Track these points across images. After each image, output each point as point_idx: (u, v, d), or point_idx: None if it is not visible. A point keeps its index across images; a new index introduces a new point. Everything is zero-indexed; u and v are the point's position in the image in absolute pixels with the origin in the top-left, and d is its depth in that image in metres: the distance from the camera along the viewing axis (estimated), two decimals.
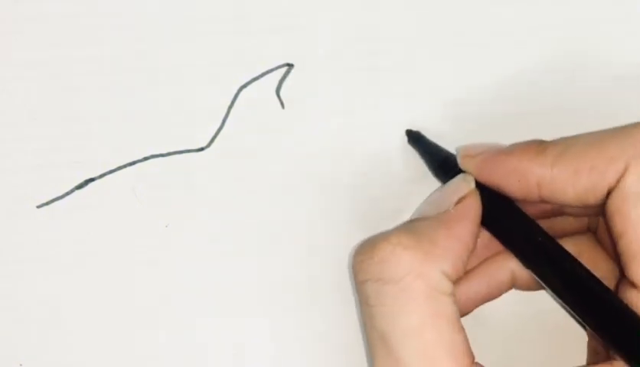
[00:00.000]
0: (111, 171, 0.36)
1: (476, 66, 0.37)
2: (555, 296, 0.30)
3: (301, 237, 0.36)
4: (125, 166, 0.36)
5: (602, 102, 0.37)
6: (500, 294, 0.34)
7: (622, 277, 0.28)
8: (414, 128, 0.36)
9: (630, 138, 0.28)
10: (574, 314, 0.29)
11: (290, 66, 0.37)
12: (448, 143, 0.35)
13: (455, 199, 0.31)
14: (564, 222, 0.33)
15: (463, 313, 0.33)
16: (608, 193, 0.28)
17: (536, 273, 0.30)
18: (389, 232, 0.30)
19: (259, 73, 0.36)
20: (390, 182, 0.36)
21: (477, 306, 0.33)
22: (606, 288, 0.28)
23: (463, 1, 0.37)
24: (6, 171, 0.35)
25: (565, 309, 0.33)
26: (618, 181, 0.28)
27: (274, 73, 0.36)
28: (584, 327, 0.33)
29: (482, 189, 0.31)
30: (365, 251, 0.29)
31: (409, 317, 0.28)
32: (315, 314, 0.35)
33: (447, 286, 0.29)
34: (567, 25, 0.37)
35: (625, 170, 0.28)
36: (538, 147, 0.30)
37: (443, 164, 0.34)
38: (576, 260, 0.29)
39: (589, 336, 0.33)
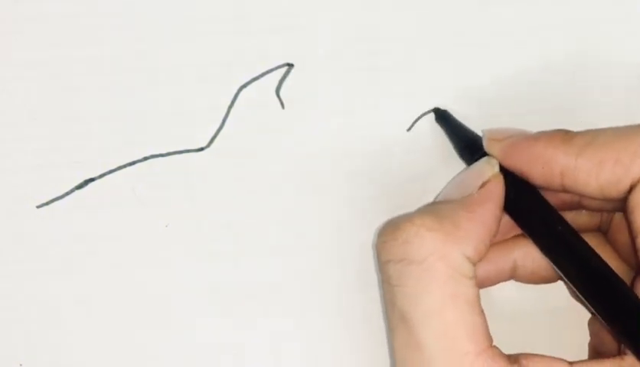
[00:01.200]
0: (111, 171, 0.36)
1: (476, 66, 0.37)
2: (570, 285, 0.30)
3: (301, 237, 0.36)
4: (125, 166, 0.36)
5: (602, 102, 0.37)
6: (497, 282, 0.34)
7: (639, 273, 0.28)
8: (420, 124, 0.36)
9: None
10: (588, 305, 0.29)
11: (290, 66, 0.37)
12: (449, 142, 0.35)
13: (479, 182, 0.31)
14: (577, 218, 0.33)
15: None
16: (631, 188, 0.28)
17: (553, 261, 0.30)
18: (412, 214, 0.30)
19: (259, 73, 0.36)
20: (391, 182, 0.36)
21: None
22: (622, 282, 0.28)
23: (463, 1, 0.37)
24: (6, 171, 0.35)
25: (578, 299, 0.33)
26: None
27: (274, 73, 0.36)
28: (592, 313, 0.33)
29: (506, 173, 0.31)
30: (389, 232, 0.30)
31: (430, 298, 0.28)
32: (316, 314, 0.35)
33: (468, 268, 0.29)
34: (567, 25, 0.37)
35: None
36: (565, 135, 0.30)
37: (470, 145, 0.34)
38: (594, 252, 0.29)
39: (590, 335, 0.33)
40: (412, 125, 0.37)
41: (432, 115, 0.36)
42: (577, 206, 0.33)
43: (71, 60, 0.36)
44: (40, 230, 0.35)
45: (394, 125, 0.36)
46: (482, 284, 0.33)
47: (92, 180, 0.36)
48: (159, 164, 0.36)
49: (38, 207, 0.35)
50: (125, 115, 0.36)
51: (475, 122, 0.36)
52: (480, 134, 0.33)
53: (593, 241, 0.32)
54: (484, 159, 0.32)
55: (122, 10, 0.36)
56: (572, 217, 0.33)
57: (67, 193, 0.35)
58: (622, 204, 0.29)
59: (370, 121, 0.36)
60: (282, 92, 0.36)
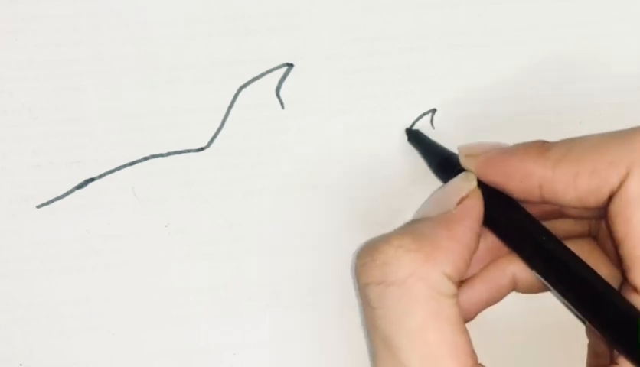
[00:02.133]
0: (111, 171, 0.36)
1: (476, 67, 0.37)
2: (559, 295, 0.30)
3: (301, 237, 0.36)
4: (125, 166, 0.36)
5: (602, 102, 0.37)
6: (501, 298, 0.34)
7: (624, 281, 0.28)
8: (414, 127, 0.36)
9: (632, 143, 0.28)
10: (578, 314, 0.29)
11: (290, 66, 0.37)
12: (449, 143, 0.35)
13: (457, 199, 0.31)
14: (565, 225, 0.33)
15: (467, 320, 0.33)
16: (610, 197, 0.28)
17: (540, 273, 0.30)
18: (390, 235, 0.30)
19: (259, 73, 0.36)
20: (391, 182, 0.36)
21: (479, 311, 0.33)
22: (611, 288, 0.28)
23: (463, 1, 0.37)
24: (6, 171, 0.35)
25: (569, 309, 0.33)
26: (619, 185, 0.28)
27: (274, 73, 0.36)
28: (584, 323, 0.33)
29: (484, 188, 0.31)
30: (367, 254, 0.30)
31: (411, 319, 0.28)
32: (316, 315, 0.35)
33: (449, 287, 0.29)
34: (566, 25, 0.37)
35: (627, 174, 0.27)
36: (541, 147, 0.30)
37: (444, 163, 0.34)
38: (580, 260, 0.29)
39: (589, 338, 0.33)
40: (412, 125, 0.37)
41: (429, 116, 0.36)
42: (560, 215, 0.33)
43: (71, 60, 0.36)
44: (40, 230, 0.35)
45: (394, 125, 0.36)
46: (487, 303, 0.33)
47: (92, 180, 0.36)
48: (159, 164, 0.36)
49: (38, 207, 0.35)
50: (125, 115, 0.36)
51: (475, 122, 0.36)
52: (456, 149, 0.33)
53: (585, 247, 0.32)
54: (462, 175, 0.32)
55: (122, 10, 0.36)
56: (561, 225, 0.33)
57: (67, 193, 0.35)
58: (602, 213, 0.29)
59: (370, 121, 0.36)
60: (282, 92, 0.36)
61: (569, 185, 0.29)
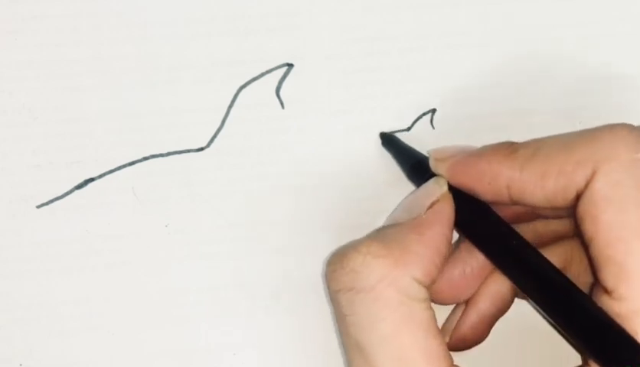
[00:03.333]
0: (111, 171, 0.36)
1: (476, 67, 0.37)
2: (528, 298, 0.30)
3: (301, 237, 0.36)
4: (125, 166, 0.36)
5: (602, 103, 0.37)
6: (508, 307, 0.34)
7: (595, 281, 0.28)
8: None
9: (598, 142, 0.28)
10: (547, 317, 0.29)
11: (290, 66, 0.37)
12: (448, 143, 0.35)
13: (428, 203, 0.31)
14: (552, 225, 0.33)
15: (482, 338, 0.34)
16: (578, 197, 0.28)
17: (509, 275, 0.30)
18: (359, 241, 0.30)
19: (259, 73, 0.36)
20: (391, 182, 0.36)
21: (491, 326, 0.34)
22: (579, 291, 0.28)
23: (463, 1, 0.37)
24: (6, 171, 0.35)
25: (539, 312, 0.33)
26: (586, 185, 0.28)
27: (274, 73, 0.36)
28: (557, 329, 0.33)
29: (456, 192, 0.31)
30: (336, 262, 0.30)
31: (383, 324, 0.28)
32: (317, 315, 0.35)
33: (419, 292, 0.29)
34: (567, 25, 0.37)
35: (593, 174, 0.27)
36: (508, 148, 0.30)
37: (416, 167, 0.34)
38: (549, 263, 0.29)
39: None
40: (412, 125, 0.37)
41: (429, 116, 0.36)
42: (534, 217, 0.32)
43: (71, 60, 0.36)
44: (40, 230, 0.35)
45: (394, 125, 0.36)
46: (496, 316, 0.34)
47: (92, 180, 0.36)
48: (159, 164, 0.36)
49: (38, 207, 0.35)
50: (125, 115, 0.36)
51: (475, 122, 0.36)
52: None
53: (574, 249, 0.32)
54: (433, 179, 0.32)
55: (122, 10, 0.36)
56: (546, 226, 0.33)
57: (67, 193, 0.36)
58: (572, 212, 0.29)
59: (370, 121, 0.36)
60: (282, 92, 0.36)
61: (536, 185, 0.29)
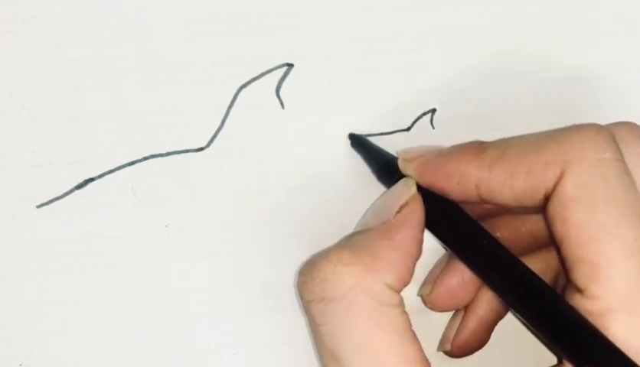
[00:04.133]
0: (111, 171, 0.36)
1: (476, 66, 0.37)
2: (502, 299, 0.30)
3: (301, 237, 0.36)
4: (124, 166, 0.36)
5: (603, 103, 0.37)
6: (506, 312, 0.34)
7: (567, 281, 0.28)
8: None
9: (567, 142, 0.28)
10: (521, 318, 0.29)
11: (290, 66, 0.37)
12: (449, 143, 0.35)
13: (397, 206, 0.30)
14: (536, 226, 0.33)
15: (483, 343, 0.34)
16: (547, 198, 0.28)
17: (479, 275, 0.30)
18: (329, 250, 0.30)
19: (259, 73, 0.36)
20: None
21: (491, 331, 0.34)
22: (551, 289, 0.28)
23: (463, 1, 0.37)
24: (6, 171, 0.35)
25: (513, 313, 0.33)
26: (555, 186, 0.28)
27: (274, 73, 0.36)
28: (529, 329, 0.33)
29: (425, 192, 0.31)
30: (307, 272, 0.30)
31: (357, 332, 0.28)
32: None
33: (392, 297, 0.29)
34: (567, 25, 0.37)
35: (562, 174, 0.27)
36: (477, 148, 0.30)
37: (386, 168, 0.34)
38: (520, 262, 0.29)
39: None
40: (412, 125, 0.37)
41: (429, 116, 0.36)
42: (505, 211, 0.32)
43: (71, 60, 0.36)
44: (40, 230, 0.35)
45: (394, 125, 0.36)
46: (495, 320, 0.34)
47: (92, 180, 0.36)
48: (159, 164, 0.36)
49: (38, 207, 0.35)
50: (125, 115, 0.36)
51: (475, 122, 0.36)
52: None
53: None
54: (402, 181, 0.32)
55: (122, 10, 0.36)
56: (532, 226, 0.33)
57: (67, 193, 0.36)
58: (542, 210, 0.29)
59: (370, 121, 0.36)
60: (282, 92, 0.36)
61: (505, 185, 0.29)
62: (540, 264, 0.32)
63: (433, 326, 0.35)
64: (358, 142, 0.36)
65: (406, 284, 0.29)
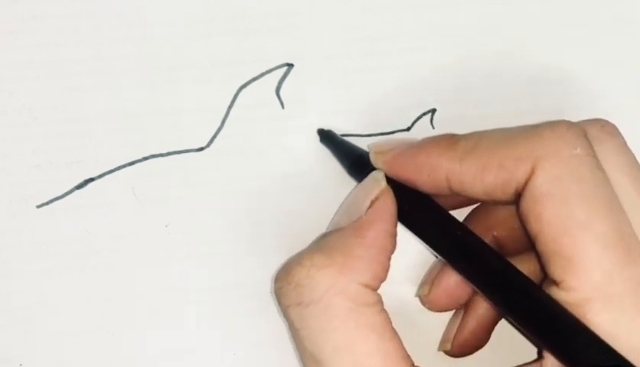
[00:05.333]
0: (111, 171, 0.36)
1: (476, 66, 0.37)
2: (478, 290, 0.30)
3: (301, 237, 0.36)
4: (124, 166, 0.36)
5: (604, 103, 0.37)
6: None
7: (544, 275, 0.28)
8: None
9: (538, 138, 0.28)
10: (499, 309, 0.29)
11: (290, 66, 0.37)
12: None
13: (367, 202, 0.30)
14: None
15: (483, 343, 0.34)
16: (518, 193, 0.28)
17: (455, 267, 0.30)
18: (302, 254, 0.30)
19: (259, 73, 0.36)
20: None
21: (491, 330, 0.34)
22: (528, 280, 0.28)
23: (464, 1, 0.37)
24: (6, 171, 0.35)
25: (491, 304, 0.33)
26: (526, 182, 0.28)
27: (274, 73, 0.36)
28: (509, 321, 0.33)
29: (397, 185, 0.31)
30: (282, 278, 0.30)
31: (335, 334, 0.28)
32: None
33: (368, 296, 0.29)
34: (567, 25, 0.37)
35: (533, 170, 0.27)
36: (449, 140, 0.30)
37: (356, 163, 0.34)
38: (496, 253, 0.29)
39: None
40: (412, 125, 0.37)
41: (429, 116, 0.36)
42: (476, 201, 0.33)
43: (71, 60, 0.36)
44: (40, 230, 0.35)
45: (394, 125, 0.36)
46: (494, 320, 0.34)
47: (92, 180, 0.36)
48: (159, 164, 0.36)
49: (38, 207, 0.35)
50: (125, 115, 0.36)
51: (475, 122, 0.36)
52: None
53: None
54: (371, 175, 0.32)
55: (122, 10, 0.36)
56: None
57: (67, 193, 0.35)
58: (515, 203, 0.29)
59: (370, 121, 0.36)
60: (282, 92, 0.36)
61: (476, 178, 0.29)
62: (535, 264, 0.32)
63: (433, 326, 0.35)
64: (327, 137, 0.36)
65: (382, 281, 0.29)
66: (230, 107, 0.36)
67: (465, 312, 0.34)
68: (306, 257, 0.29)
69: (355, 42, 0.37)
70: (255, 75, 0.36)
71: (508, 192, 0.28)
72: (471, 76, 0.37)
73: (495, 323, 0.34)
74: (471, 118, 0.36)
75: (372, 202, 0.30)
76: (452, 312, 0.35)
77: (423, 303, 0.35)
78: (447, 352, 0.34)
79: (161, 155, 0.36)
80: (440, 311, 0.35)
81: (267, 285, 0.35)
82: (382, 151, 0.32)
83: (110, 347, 0.35)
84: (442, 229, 0.30)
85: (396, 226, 0.30)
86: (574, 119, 0.30)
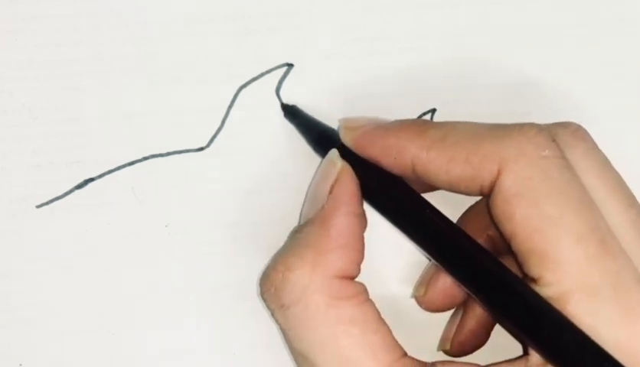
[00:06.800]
0: (111, 171, 0.36)
1: (477, 66, 0.37)
2: (446, 271, 0.29)
3: None
4: (124, 166, 0.36)
5: (605, 103, 0.37)
6: None
7: (522, 273, 0.28)
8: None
9: (507, 140, 0.28)
10: (474, 296, 0.29)
11: (290, 66, 0.37)
12: None
13: (327, 188, 0.30)
14: None
15: (483, 342, 0.34)
16: (484, 192, 0.28)
17: (421, 246, 0.30)
18: (275, 258, 0.30)
19: (259, 72, 0.36)
20: None
21: (491, 329, 0.34)
22: (507, 272, 0.28)
23: (464, 1, 0.37)
24: (6, 171, 0.35)
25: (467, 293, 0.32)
26: (492, 181, 0.28)
27: (274, 73, 0.36)
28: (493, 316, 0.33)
29: (365, 163, 0.31)
30: (263, 283, 0.30)
31: (318, 332, 0.28)
32: None
33: (346, 288, 0.29)
34: (567, 25, 0.37)
35: (499, 171, 0.27)
36: (419, 127, 0.30)
37: (319, 139, 0.34)
38: (463, 232, 0.29)
39: None
40: None
41: (429, 116, 0.36)
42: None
43: (71, 60, 0.36)
44: (40, 230, 0.35)
45: None
46: (494, 321, 0.34)
47: (92, 179, 0.36)
48: (159, 164, 0.36)
49: (38, 207, 0.35)
50: (125, 115, 0.36)
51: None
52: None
53: None
54: (326, 158, 0.32)
55: (122, 10, 0.36)
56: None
57: (67, 193, 0.36)
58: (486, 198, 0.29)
59: None
60: (282, 92, 0.36)
61: (441, 169, 0.29)
62: None
63: (431, 325, 0.35)
64: (292, 113, 0.35)
65: (359, 263, 0.30)
66: (230, 107, 0.36)
67: (464, 311, 0.34)
68: (279, 261, 0.30)
69: (355, 42, 0.37)
70: (255, 75, 0.36)
71: (473, 187, 0.28)
72: (470, 76, 0.37)
73: (494, 322, 0.34)
74: (471, 118, 0.36)
75: (332, 187, 0.30)
76: (451, 311, 0.35)
77: (420, 304, 0.35)
78: (446, 352, 0.34)
79: (161, 155, 0.36)
80: (437, 312, 0.35)
81: None
82: (351, 127, 0.32)
83: (110, 347, 0.35)
84: (411, 209, 0.30)
85: (361, 205, 0.30)
86: (575, 120, 0.30)
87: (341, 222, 0.29)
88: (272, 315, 0.30)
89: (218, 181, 0.36)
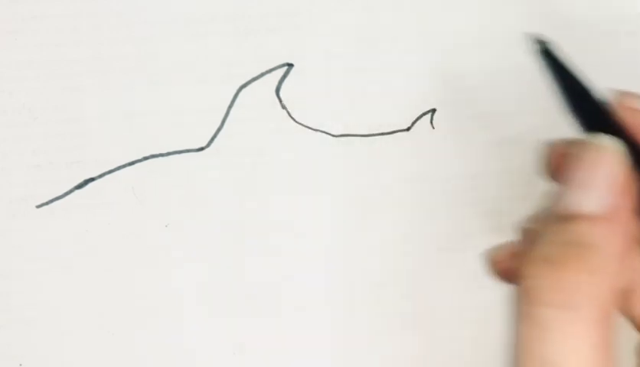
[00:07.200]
0: (111, 171, 0.36)
1: (477, 66, 0.37)
2: None
3: (300, 237, 0.36)
4: (125, 166, 0.36)
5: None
6: None
7: None
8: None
9: None
10: None
11: (290, 66, 0.37)
12: (448, 143, 0.35)
13: (612, 183, 0.25)
14: None
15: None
16: None
17: None
18: (571, 257, 0.25)
19: (259, 73, 0.36)
20: (390, 181, 0.36)
21: None
22: None
23: (464, 1, 0.37)
24: (6, 171, 0.35)
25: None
26: None
27: (274, 73, 0.36)
28: None
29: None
30: (545, 276, 0.25)
31: (576, 344, 0.24)
32: (316, 315, 0.35)
33: (612, 306, 0.24)
34: (567, 26, 0.37)
35: None
36: None
37: (590, 112, 0.27)
38: None
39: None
40: (412, 125, 0.37)
41: (429, 116, 0.36)
42: None
43: (71, 60, 0.36)
44: (40, 230, 0.35)
45: (394, 125, 0.36)
46: None
47: (92, 179, 0.36)
48: (159, 164, 0.36)
49: (38, 207, 0.35)
50: (125, 115, 0.36)
51: (474, 122, 0.36)
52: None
53: None
54: (609, 149, 0.25)
55: (122, 10, 0.36)
56: None
57: (67, 193, 0.36)
58: None
59: (370, 121, 0.36)
60: (282, 92, 0.36)
61: None
62: None
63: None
64: (546, 53, 0.28)
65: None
66: (230, 107, 0.36)
67: None
68: (573, 262, 0.24)
69: (355, 42, 0.37)
70: (255, 75, 0.36)
71: None
72: (470, 76, 0.37)
73: None
74: (472, 118, 0.36)
75: (616, 184, 0.25)
76: None
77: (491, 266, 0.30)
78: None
79: (161, 155, 0.36)
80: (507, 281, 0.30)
81: (267, 285, 0.35)
82: (634, 107, 0.26)
83: (110, 347, 0.35)
84: None
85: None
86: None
87: (625, 226, 0.25)
88: (534, 310, 0.24)
89: (218, 181, 0.36)
